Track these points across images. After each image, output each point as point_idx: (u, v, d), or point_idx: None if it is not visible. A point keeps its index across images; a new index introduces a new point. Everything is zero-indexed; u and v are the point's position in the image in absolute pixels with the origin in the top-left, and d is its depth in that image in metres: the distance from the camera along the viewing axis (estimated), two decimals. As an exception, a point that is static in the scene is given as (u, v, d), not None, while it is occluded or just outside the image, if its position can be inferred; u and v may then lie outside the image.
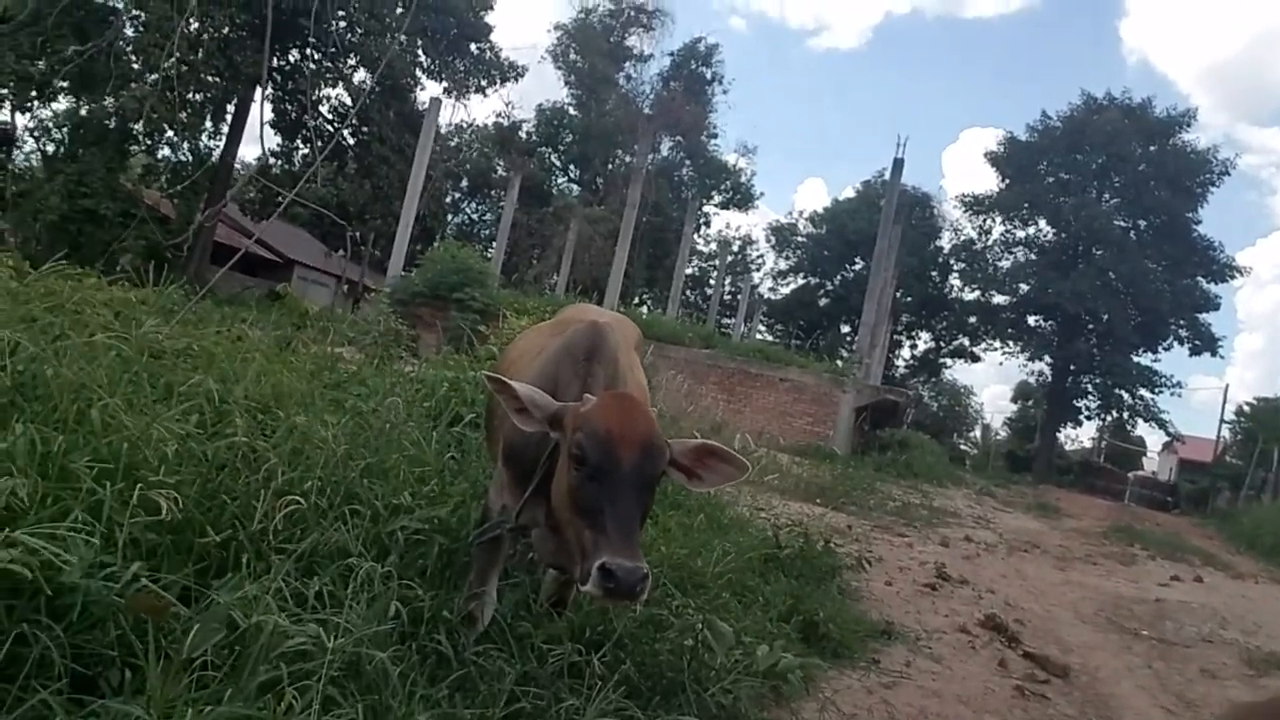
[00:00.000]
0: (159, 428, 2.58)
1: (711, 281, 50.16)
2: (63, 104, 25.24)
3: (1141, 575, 10.05)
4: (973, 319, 49.88)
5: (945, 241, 51.04)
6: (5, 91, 23.47)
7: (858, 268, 50.72)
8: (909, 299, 50.11)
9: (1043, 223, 46.06)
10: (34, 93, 24.25)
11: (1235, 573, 12.34)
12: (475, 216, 50.27)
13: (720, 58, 46.36)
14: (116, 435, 2.50)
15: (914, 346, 54.97)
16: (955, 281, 50.97)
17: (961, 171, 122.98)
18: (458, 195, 46.58)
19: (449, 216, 43.55)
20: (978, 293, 49.05)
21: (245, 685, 1.83)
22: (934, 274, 50.60)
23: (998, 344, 49.33)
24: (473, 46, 31.22)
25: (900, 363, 53.87)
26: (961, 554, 8.61)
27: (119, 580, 2.02)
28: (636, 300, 38.33)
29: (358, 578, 2.42)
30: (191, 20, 22.34)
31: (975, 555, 8.86)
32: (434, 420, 4.74)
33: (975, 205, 47.82)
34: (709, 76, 45.85)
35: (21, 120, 25.83)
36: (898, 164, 25.67)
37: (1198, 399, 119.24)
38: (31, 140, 26.55)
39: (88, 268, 5.42)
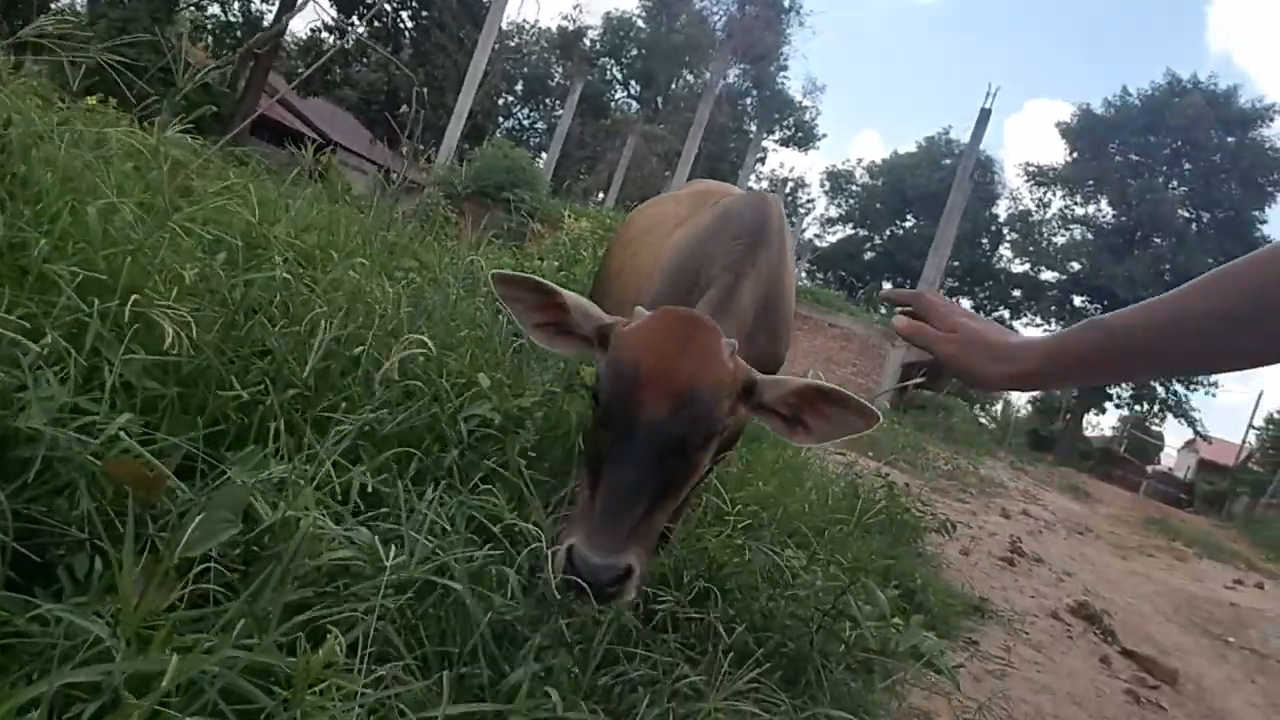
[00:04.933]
0: (176, 239, 1.96)
1: (759, 220, 49.14)
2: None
3: (1201, 574, 9.49)
4: (1017, 291, 48.52)
5: (1001, 210, 49.54)
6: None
7: (908, 225, 49.45)
8: (955, 263, 48.80)
9: (1104, 202, 44.36)
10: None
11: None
12: (527, 124, 49.02)
13: (802, -15, 44.38)
14: (120, 247, 1.88)
15: (951, 311, 53.93)
16: (1005, 251, 49.53)
17: (1023, 142, 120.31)
18: (511, 99, 45.33)
19: (501, 119, 42.42)
20: (1027, 266, 47.67)
21: (259, 610, 1.23)
22: (984, 241, 49.17)
23: (1039, 320, 48.14)
24: (546, -61, 29.88)
25: (936, 325, 52.98)
26: (1025, 529, 8.06)
27: (98, 435, 1.42)
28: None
29: (412, 470, 1.81)
30: None
31: (1039, 532, 8.31)
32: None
33: (1039, 176, 46.09)
34: (787, 4, 43.87)
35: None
36: (984, 114, 24.41)
37: (1222, 401, 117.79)
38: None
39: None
